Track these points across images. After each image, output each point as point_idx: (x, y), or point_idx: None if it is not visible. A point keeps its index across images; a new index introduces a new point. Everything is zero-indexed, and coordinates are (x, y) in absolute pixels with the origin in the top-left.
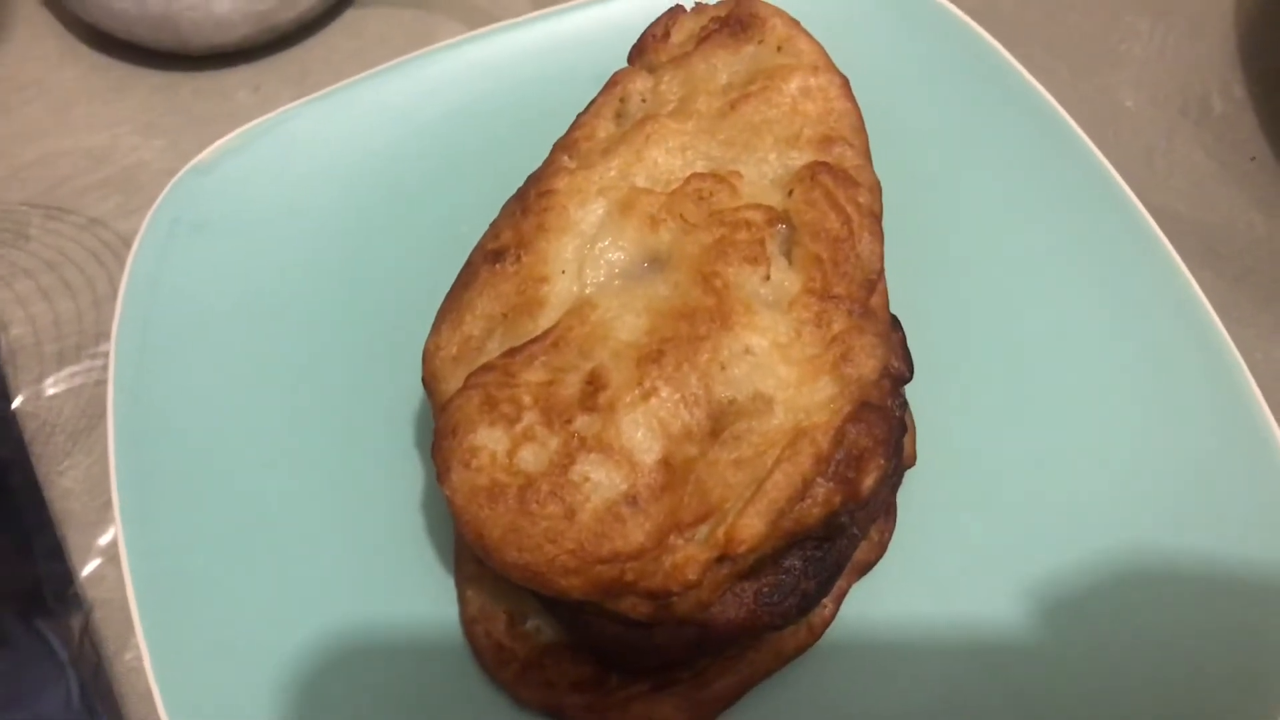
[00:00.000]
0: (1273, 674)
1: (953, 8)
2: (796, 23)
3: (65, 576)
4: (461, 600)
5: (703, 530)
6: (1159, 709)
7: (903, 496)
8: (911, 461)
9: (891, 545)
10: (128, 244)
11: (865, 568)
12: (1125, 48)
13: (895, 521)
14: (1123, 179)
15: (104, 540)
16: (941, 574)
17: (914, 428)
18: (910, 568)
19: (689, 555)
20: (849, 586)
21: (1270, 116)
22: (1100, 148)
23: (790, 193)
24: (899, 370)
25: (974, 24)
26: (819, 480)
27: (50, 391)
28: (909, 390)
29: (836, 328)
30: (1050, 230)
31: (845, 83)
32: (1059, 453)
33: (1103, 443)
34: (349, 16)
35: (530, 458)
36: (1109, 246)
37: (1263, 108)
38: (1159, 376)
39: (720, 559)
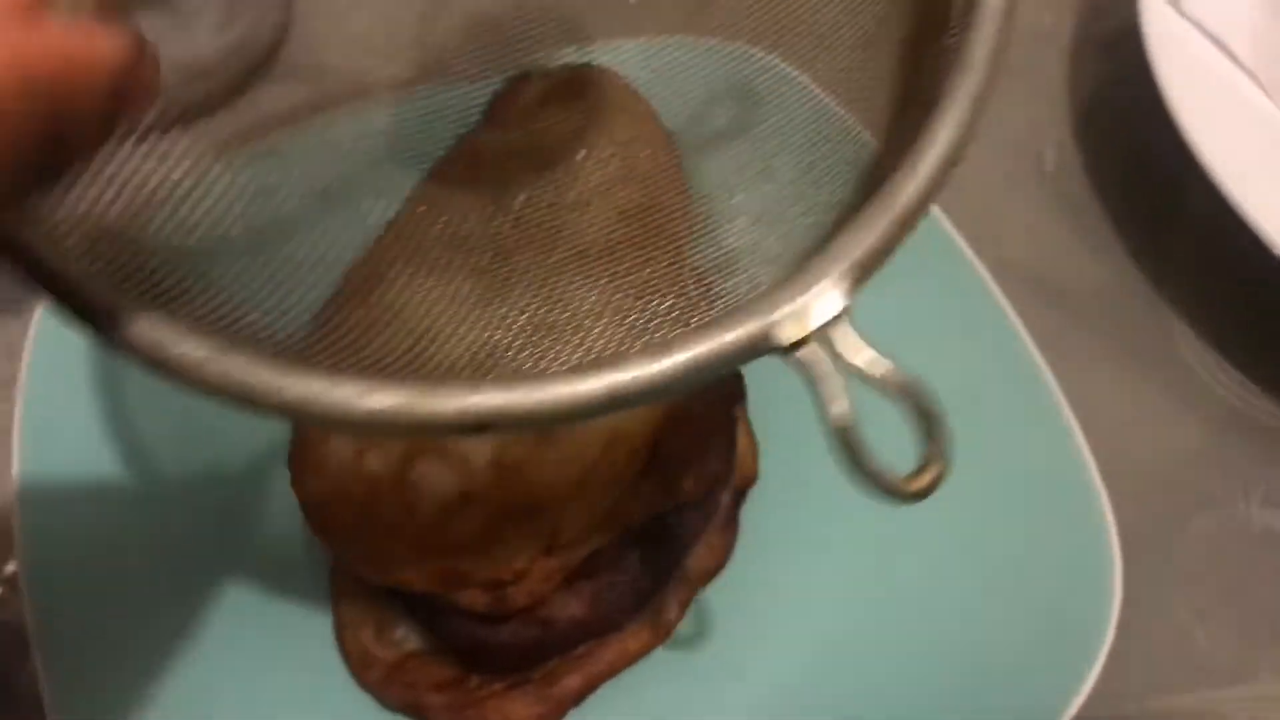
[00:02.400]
0: (1078, 652)
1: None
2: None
3: None
4: (335, 612)
5: (530, 524)
6: (981, 696)
7: (746, 512)
8: (752, 478)
9: (734, 557)
10: None
11: (708, 576)
12: None
13: (737, 534)
14: (966, 230)
15: (8, 569)
16: (781, 584)
17: (755, 447)
18: (751, 578)
19: (517, 547)
20: (693, 594)
21: (1098, 172)
22: (945, 201)
23: None
24: (729, 389)
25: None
26: (639, 480)
27: None
28: (755, 412)
29: None
30: (893, 281)
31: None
32: None
33: None
34: None
35: (375, 462)
36: (946, 296)
37: (1092, 164)
38: (986, 408)
39: (548, 551)
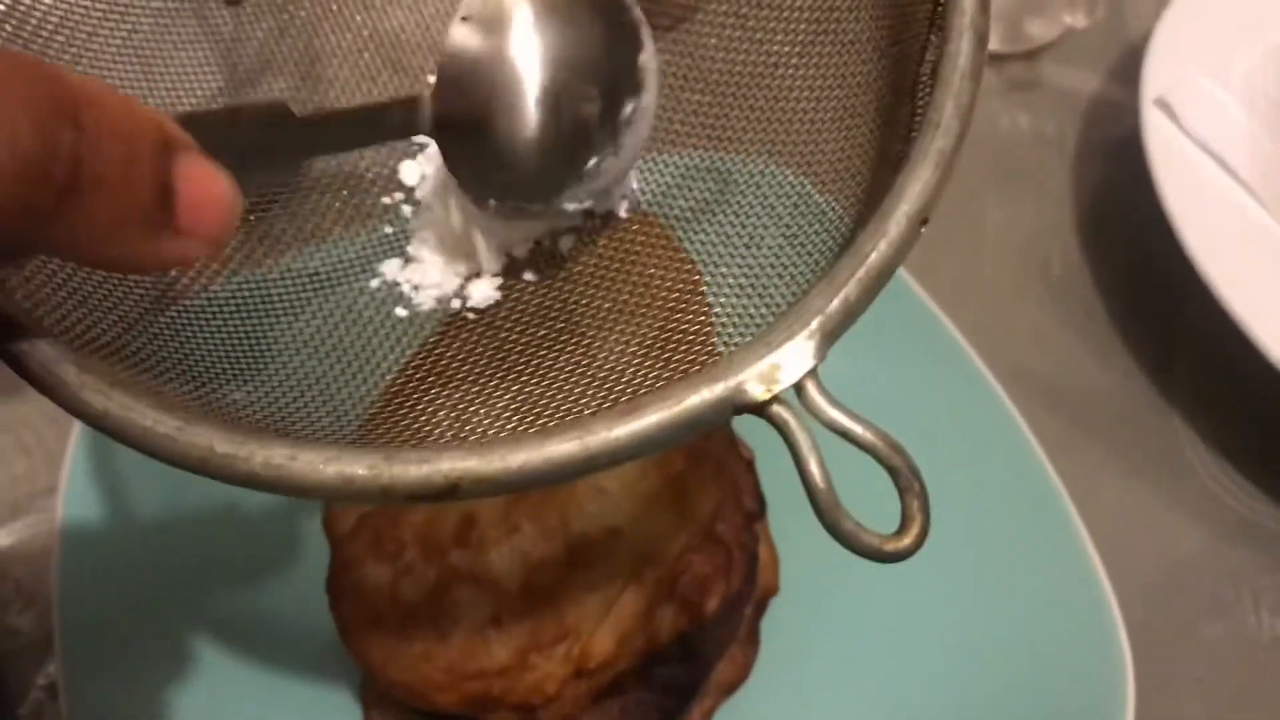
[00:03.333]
0: None
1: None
2: None
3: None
4: None
5: (560, 649)
6: None
7: (767, 623)
8: (773, 590)
9: (756, 669)
10: None
11: (731, 689)
12: (977, 217)
13: (759, 646)
14: (977, 336)
15: (43, 679)
16: (803, 696)
17: (776, 559)
18: (773, 690)
19: (548, 672)
20: (715, 706)
21: (1103, 278)
22: (953, 308)
23: None
24: (751, 506)
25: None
26: (664, 603)
27: (3, 542)
28: (775, 525)
29: (675, 469)
30: (903, 388)
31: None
32: (908, 582)
33: (947, 574)
34: None
35: (410, 588)
36: (955, 403)
37: (1096, 270)
38: (995, 513)
39: (577, 675)
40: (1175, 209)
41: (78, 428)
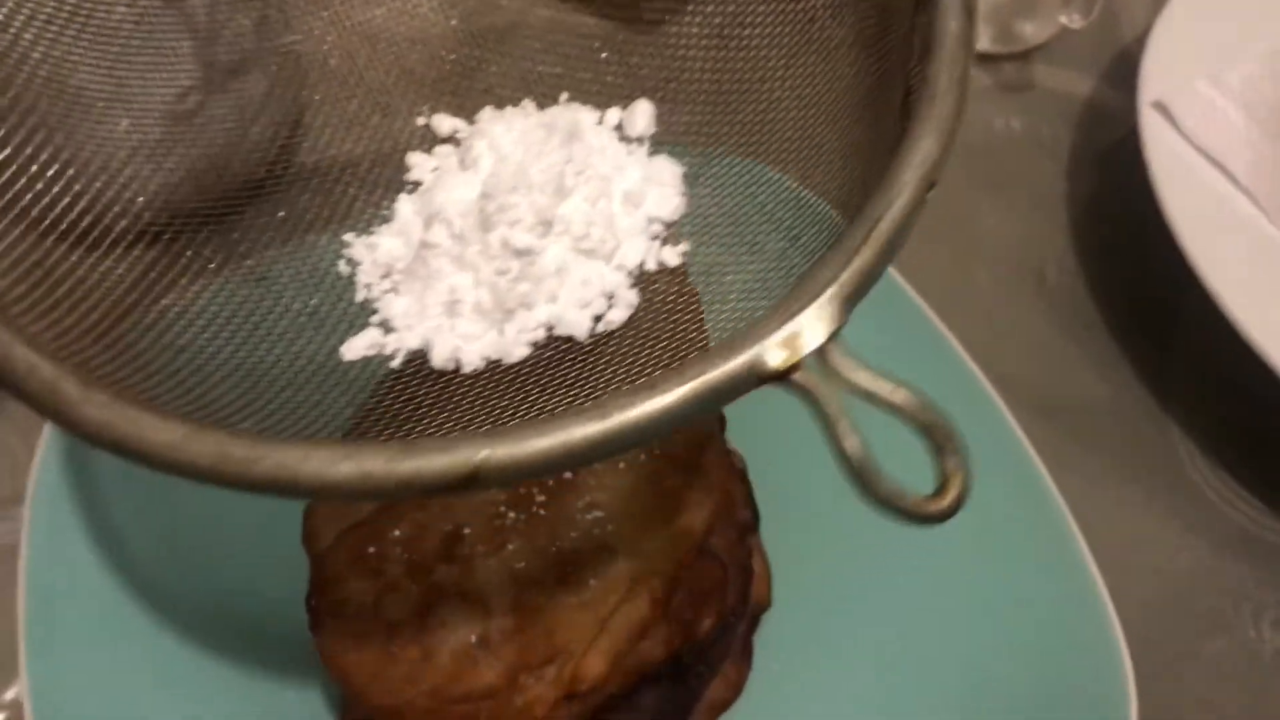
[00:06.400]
0: None
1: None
2: None
3: None
4: None
5: (550, 670)
6: None
7: (759, 637)
8: (765, 604)
9: (749, 685)
10: None
11: (723, 706)
12: (971, 222)
13: (751, 661)
14: (969, 344)
15: (9, 695)
16: (797, 714)
17: (769, 572)
18: (766, 706)
19: (538, 694)
20: None
21: (1099, 285)
22: (948, 315)
23: None
24: (744, 518)
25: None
26: (658, 622)
27: None
28: (766, 537)
29: (669, 484)
30: None
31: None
32: (904, 595)
33: (942, 587)
34: None
35: (394, 606)
36: (949, 406)
37: (1093, 277)
38: (993, 526)
39: (568, 696)
40: (1175, 214)
41: (45, 437)
